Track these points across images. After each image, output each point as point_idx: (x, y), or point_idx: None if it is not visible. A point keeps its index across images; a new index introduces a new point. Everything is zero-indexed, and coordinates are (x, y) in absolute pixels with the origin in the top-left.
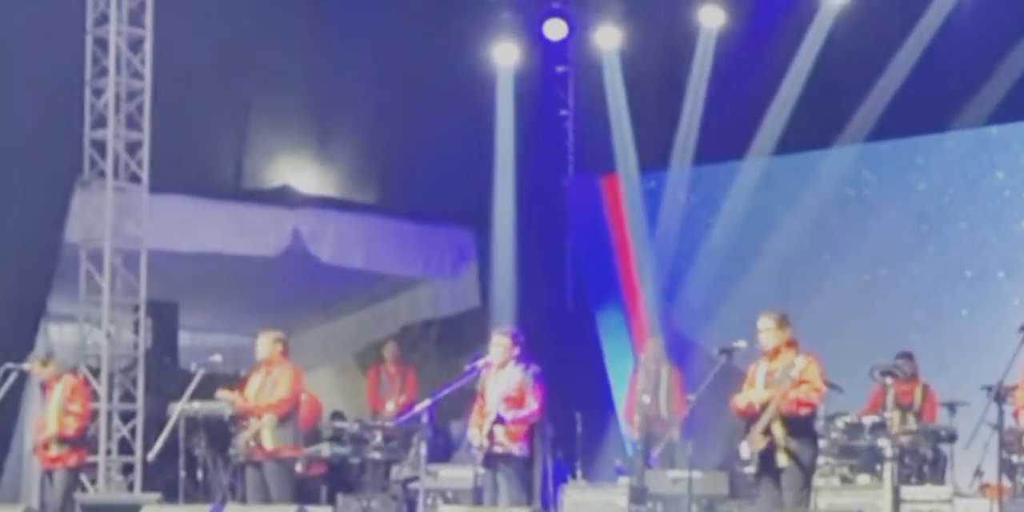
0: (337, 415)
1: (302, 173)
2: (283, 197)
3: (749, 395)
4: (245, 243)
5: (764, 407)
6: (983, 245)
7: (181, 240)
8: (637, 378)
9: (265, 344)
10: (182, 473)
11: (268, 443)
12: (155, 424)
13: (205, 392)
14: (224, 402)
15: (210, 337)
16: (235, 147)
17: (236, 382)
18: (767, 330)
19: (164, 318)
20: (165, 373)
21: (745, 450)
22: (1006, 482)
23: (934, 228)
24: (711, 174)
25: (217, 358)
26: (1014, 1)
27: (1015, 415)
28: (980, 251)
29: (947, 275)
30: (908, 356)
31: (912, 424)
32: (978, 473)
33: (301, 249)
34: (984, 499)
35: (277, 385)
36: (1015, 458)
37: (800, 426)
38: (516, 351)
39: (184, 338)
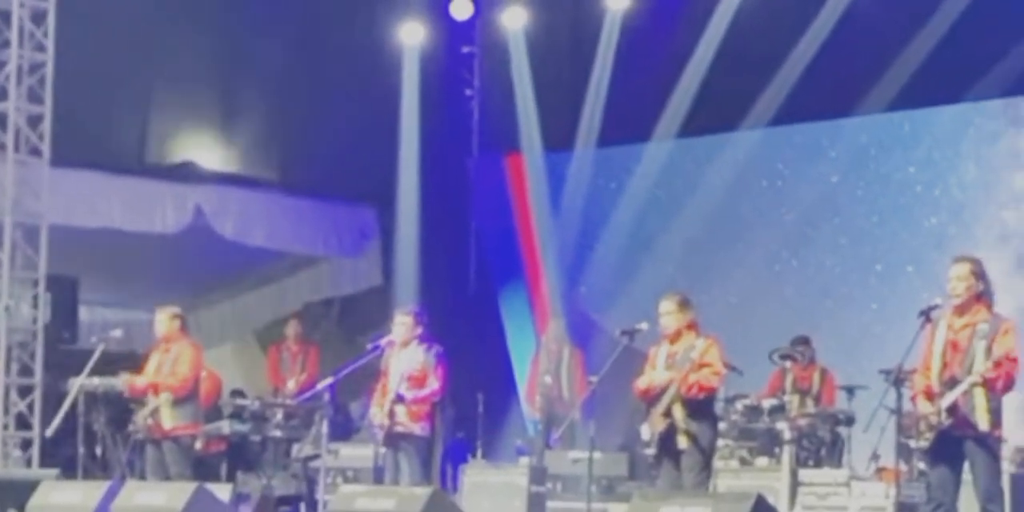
0: (237, 393)
1: (205, 149)
2: (186, 173)
3: (650, 377)
4: (147, 219)
5: (664, 389)
6: (894, 239)
7: (82, 215)
8: (539, 359)
9: (163, 321)
10: (81, 449)
11: (166, 422)
12: (53, 399)
13: (104, 368)
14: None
15: (110, 313)
16: (138, 122)
17: (132, 359)
18: (668, 313)
19: (63, 293)
20: (64, 348)
21: (646, 432)
22: (902, 466)
23: (847, 221)
24: (616, 155)
25: (118, 333)
26: None
27: (912, 399)
28: (891, 245)
29: (857, 267)
30: (805, 341)
31: (810, 407)
32: (875, 457)
33: (203, 226)
34: (880, 482)
35: (177, 363)
36: (912, 442)
37: (700, 408)
38: (419, 330)
39: (83, 313)
